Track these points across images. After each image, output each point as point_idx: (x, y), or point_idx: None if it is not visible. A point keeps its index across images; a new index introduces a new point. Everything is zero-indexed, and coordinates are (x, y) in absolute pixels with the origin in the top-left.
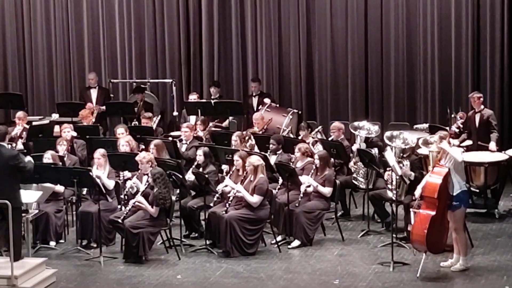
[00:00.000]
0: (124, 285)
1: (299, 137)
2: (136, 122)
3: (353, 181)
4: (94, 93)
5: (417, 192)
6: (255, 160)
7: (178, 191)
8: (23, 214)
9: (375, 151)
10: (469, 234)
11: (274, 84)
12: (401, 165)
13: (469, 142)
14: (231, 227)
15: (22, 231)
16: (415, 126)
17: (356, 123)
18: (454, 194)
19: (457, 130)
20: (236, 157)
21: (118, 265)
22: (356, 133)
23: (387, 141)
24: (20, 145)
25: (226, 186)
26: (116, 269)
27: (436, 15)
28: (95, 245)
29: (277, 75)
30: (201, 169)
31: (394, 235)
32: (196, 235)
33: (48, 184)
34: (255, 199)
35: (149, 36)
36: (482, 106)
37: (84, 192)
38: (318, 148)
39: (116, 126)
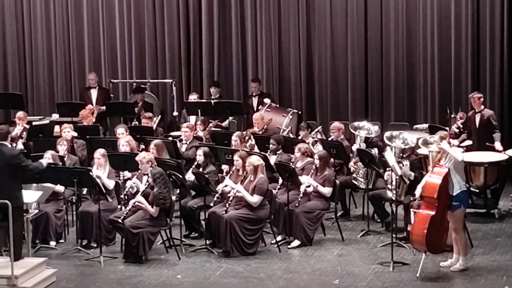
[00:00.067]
0: (124, 285)
1: (299, 137)
2: (136, 122)
3: (353, 181)
4: (94, 93)
5: (417, 192)
6: (255, 160)
7: (178, 191)
8: (23, 214)
9: (375, 151)
10: (468, 234)
11: (274, 84)
12: (401, 165)
13: (469, 142)
14: (231, 227)
15: (23, 231)
16: (415, 126)
17: (356, 123)
18: (454, 194)
19: (457, 130)
20: (236, 157)
21: (118, 265)
22: (356, 133)
23: (387, 141)
24: (20, 145)
25: (226, 186)
26: (116, 269)
27: (436, 15)
28: (95, 245)
29: (277, 75)
30: (201, 169)
31: (394, 235)
32: (196, 235)
33: (48, 184)
34: (255, 199)
35: (149, 36)
36: (482, 106)
37: (84, 192)
38: (318, 148)
39: (116, 126)
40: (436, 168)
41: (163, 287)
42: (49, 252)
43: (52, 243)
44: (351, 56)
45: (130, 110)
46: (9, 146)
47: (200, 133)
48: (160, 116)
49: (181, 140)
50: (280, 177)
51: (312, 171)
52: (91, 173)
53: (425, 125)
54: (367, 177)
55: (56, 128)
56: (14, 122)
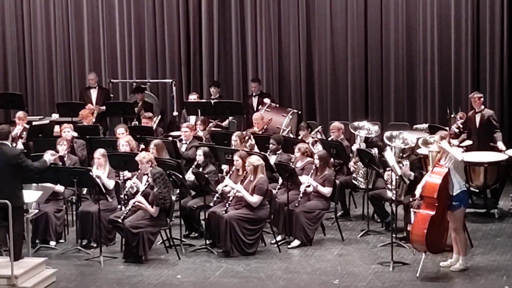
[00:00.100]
0: (124, 285)
1: (299, 137)
2: (136, 122)
3: (353, 181)
4: (94, 93)
5: (417, 192)
6: (255, 160)
7: (178, 191)
8: (24, 214)
9: (375, 151)
10: (468, 234)
11: (274, 84)
12: (400, 165)
13: (469, 142)
14: (231, 227)
15: (23, 231)
16: (414, 126)
17: (356, 123)
18: (454, 194)
19: (457, 130)
20: (236, 157)
21: (118, 265)
22: (356, 133)
23: (386, 141)
24: (20, 145)
25: (226, 186)
26: (116, 269)
27: (436, 15)
28: (95, 245)
29: (277, 75)
30: (201, 169)
31: (393, 235)
32: (196, 235)
33: (48, 184)
34: (255, 199)
35: (149, 36)
36: (483, 106)
37: (84, 192)
38: (318, 148)
39: (116, 126)
40: (436, 168)
41: (163, 287)
42: (49, 252)
43: (52, 243)
44: (351, 56)
45: (130, 110)
46: (10, 145)
47: (200, 133)
48: (160, 116)
49: (181, 140)
50: (280, 177)
51: (312, 171)
52: (91, 173)
53: (425, 125)
54: (367, 177)
55: (56, 128)
56: (14, 122)
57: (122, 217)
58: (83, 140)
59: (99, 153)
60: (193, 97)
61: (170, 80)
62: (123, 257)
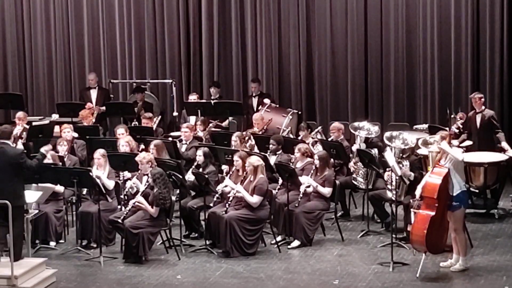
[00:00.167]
0: (124, 285)
1: (299, 138)
2: (136, 123)
3: (353, 181)
4: (94, 94)
5: (417, 193)
6: (255, 160)
7: (178, 191)
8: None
9: (374, 151)
10: (468, 234)
11: (274, 84)
12: (400, 165)
13: (469, 143)
14: (231, 227)
15: (23, 231)
16: (414, 127)
17: (356, 124)
18: (454, 194)
19: (457, 131)
20: (236, 157)
21: (118, 265)
22: (356, 134)
23: (386, 142)
24: (20, 145)
25: (226, 186)
26: (116, 269)
27: (435, 16)
28: (95, 245)
29: (277, 76)
30: (201, 170)
31: (393, 235)
32: (196, 235)
33: (48, 184)
34: (255, 199)
35: (149, 37)
36: (483, 107)
37: (84, 192)
38: (318, 149)
39: (116, 126)
40: (436, 168)
41: (163, 287)
42: (49, 252)
43: (52, 243)
44: (351, 56)
45: (130, 111)
46: (12, 145)
47: (200, 134)
48: (160, 117)
49: (181, 141)
50: (280, 178)
51: (312, 171)
52: (91, 173)
53: (425, 126)
54: (367, 177)
55: (56, 128)
56: (14, 122)
57: (122, 217)
58: (83, 141)
59: (99, 153)
60: (193, 98)
61: (170, 81)
62: (123, 258)
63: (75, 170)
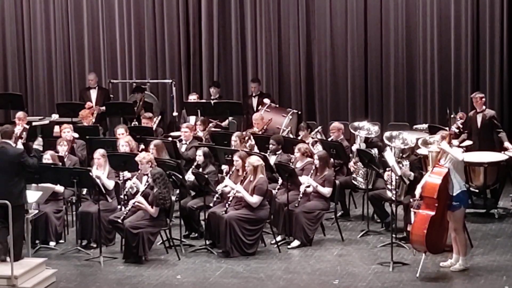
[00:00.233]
0: (124, 285)
1: (299, 138)
2: (136, 123)
3: (353, 181)
4: (93, 94)
5: (417, 192)
6: (255, 160)
7: (178, 191)
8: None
9: (374, 151)
10: (468, 234)
11: (274, 84)
12: (400, 165)
13: (469, 142)
14: (230, 227)
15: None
16: (414, 127)
17: (356, 123)
18: (454, 194)
19: (456, 131)
20: (235, 157)
21: (118, 265)
22: (355, 133)
23: (386, 142)
24: (19, 146)
25: (225, 186)
26: (116, 269)
27: (435, 16)
28: (95, 245)
29: (276, 76)
30: (200, 169)
31: (393, 235)
32: (196, 235)
33: (47, 184)
34: (254, 199)
35: (149, 36)
36: (484, 107)
37: (84, 192)
38: (318, 149)
39: (116, 126)
40: (436, 168)
41: (162, 287)
42: (49, 253)
43: (52, 243)
44: (351, 56)
45: (130, 111)
46: (13, 145)
47: (200, 133)
48: (160, 117)
49: (180, 141)
50: (280, 177)
51: (312, 171)
52: (90, 173)
53: (425, 125)
54: (367, 177)
55: (56, 128)
56: (14, 122)
57: (122, 217)
58: (83, 141)
59: (99, 153)
60: (193, 98)
61: (170, 81)
62: (123, 258)
63: (75, 170)
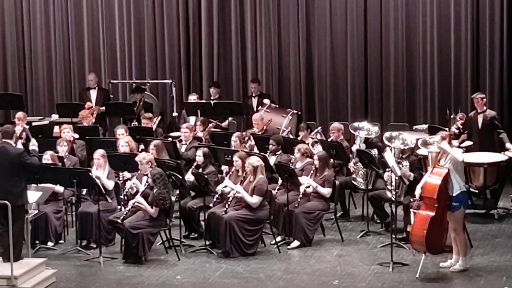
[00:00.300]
0: (124, 285)
1: (299, 138)
2: (136, 123)
3: (353, 181)
4: (93, 94)
5: (417, 193)
6: (255, 160)
7: (177, 191)
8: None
9: (374, 151)
10: (468, 234)
11: (274, 84)
12: (400, 165)
13: (469, 143)
14: (230, 227)
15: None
16: (414, 127)
17: (356, 124)
18: (454, 194)
19: (456, 131)
20: (235, 157)
21: (118, 265)
22: (355, 134)
23: (386, 142)
24: (19, 146)
25: (225, 186)
26: (115, 270)
27: (435, 16)
28: (94, 246)
29: (276, 76)
30: (200, 170)
31: (393, 236)
32: (196, 235)
33: (47, 185)
34: (254, 199)
35: (149, 37)
36: (485, 107)
37: (84, 193)
38: (318, 149)
39: (116, 126)
40: (436, 168)
41: (162, 287)
42: (48, 253)
43: (52, 244)
44: (351, 57)
45: (130, 111)
46: (14, 145)
47: (200, 134)
48: (160, 117)
49: (180, 141)
50: (279, 178)
51: (311, 171)
52: (90, 173)
53: (425, 126)
54: (366, 177)
55: (56, 128)
56: (13, 122)
57: (121, 217)
58: (83, 141)
59: (99, 153)
60: (192, 98)
61: (170, 81)
62: (122, 258)
63: (75, 170)
